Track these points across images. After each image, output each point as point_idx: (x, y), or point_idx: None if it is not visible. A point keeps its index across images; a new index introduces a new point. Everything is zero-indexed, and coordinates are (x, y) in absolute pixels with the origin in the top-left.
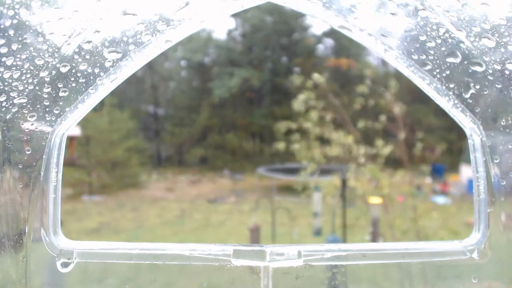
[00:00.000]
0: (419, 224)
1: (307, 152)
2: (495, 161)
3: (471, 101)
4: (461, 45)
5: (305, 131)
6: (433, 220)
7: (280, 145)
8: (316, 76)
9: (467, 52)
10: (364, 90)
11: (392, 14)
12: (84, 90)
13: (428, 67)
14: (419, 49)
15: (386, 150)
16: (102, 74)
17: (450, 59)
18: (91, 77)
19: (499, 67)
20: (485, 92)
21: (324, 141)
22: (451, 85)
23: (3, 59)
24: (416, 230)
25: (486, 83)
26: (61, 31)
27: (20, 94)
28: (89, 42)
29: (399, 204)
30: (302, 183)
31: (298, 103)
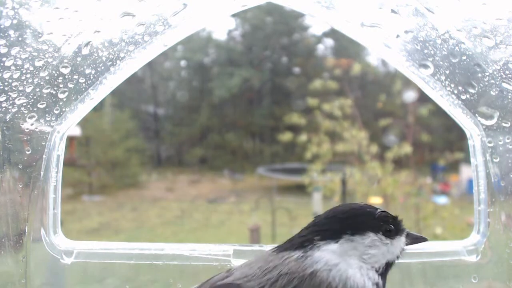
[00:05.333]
0: (420, 224)
1: (316, 147)
2: (495, 161)
3: (471, 101)
4: (461, 45)
5: (315, 126)
6: (434, 220)
7: (286, 136)
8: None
9: (467, 52)
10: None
11: (392, 14)
12: (84, 90)
13: (428, 67)
14: (419, 49)
15: (404, 150)
16: (102, 74)
17: (450, 59)
18: (91, 77)
19: (499, 67)
20: (485, 92)
21: (333, 137)
22: (451, 85)
23: (3, 59)
24: (418, 229)
25: (486, 83)
26: (61, 31)
27: (20, 94)
28: (89, 42)
29: (400, 204)
30: (308, 180)
31: (316, 84)
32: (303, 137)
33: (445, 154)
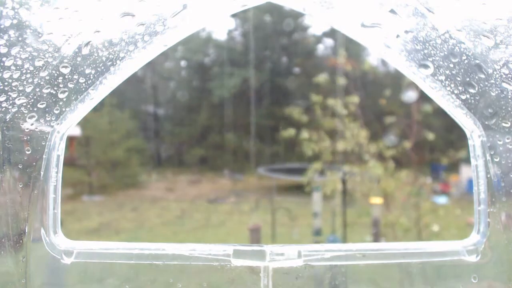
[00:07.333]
0: (420, 224)
1: (315, 145)
2: (495, 161)
3: (471, 101)
4: (461, 45)
5: (315, 125)
6: (434, 220)
7: (289, 132)
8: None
9: (467, 52)
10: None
11: (392, 14)
12: (84, 90)
13: (428, 67)
14: (419, 49)
15: (405, 145)
16: (102, 74)
17: (450, 59)
18: (91, 77)
19: (499, 67)
20: (485, 92)
21: (334, 136)
22: (451, 85)
23: (3, 59)
24: (417, 229)
25: (486, 83)
26: (61, 31)
27: (20, 94)
28: (89, 42)
29: (400, 204)
30: (308, 180)
31: (320, 78)
32: (305, 134)
33: (447, 153)
